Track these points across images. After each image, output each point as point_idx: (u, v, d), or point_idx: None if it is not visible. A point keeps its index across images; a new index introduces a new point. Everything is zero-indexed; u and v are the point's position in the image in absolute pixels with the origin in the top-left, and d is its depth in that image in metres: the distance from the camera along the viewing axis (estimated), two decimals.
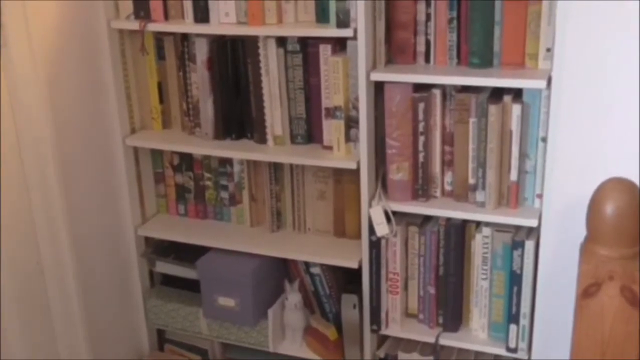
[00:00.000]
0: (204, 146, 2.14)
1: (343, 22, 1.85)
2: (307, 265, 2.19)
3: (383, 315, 2.04)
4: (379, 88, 1.91)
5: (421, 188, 1.93)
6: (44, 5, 1.90)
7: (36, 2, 1.85)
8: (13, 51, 1.80)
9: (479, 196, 1.87)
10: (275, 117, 2.05)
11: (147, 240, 2.36)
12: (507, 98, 1.80)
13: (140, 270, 2.35)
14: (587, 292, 1.43)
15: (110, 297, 2.26)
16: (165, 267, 2.34)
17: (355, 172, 1.97)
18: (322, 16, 1.91)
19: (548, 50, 1.75)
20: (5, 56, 1.80)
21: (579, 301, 1.45)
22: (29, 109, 1.87)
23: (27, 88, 1.85)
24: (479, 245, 1.91)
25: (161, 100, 2.22)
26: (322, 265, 2.16)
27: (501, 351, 1.96)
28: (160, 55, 2.18)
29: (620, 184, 1.41)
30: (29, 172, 1.91)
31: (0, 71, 1.80)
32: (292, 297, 2.15)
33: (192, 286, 2.29)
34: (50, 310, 2.03)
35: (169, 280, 2.38)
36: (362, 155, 1.92)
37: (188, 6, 2.02)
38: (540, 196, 1.83)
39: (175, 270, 2.32)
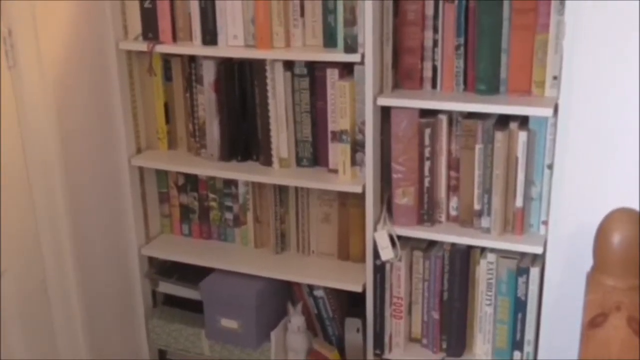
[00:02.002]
0: (210, 167, 2.15)
1: (351, 47, 1.86)
2: (311, 287, 2.18)
3: (386, 339, 2.04)
4: (385, 113, 1.91)
5: (426, 213, 1.94)
6: (54, 26, 1.91)
7: (46, 22, 1.86)
8: (23, 71, 1.82)
9: (484, 222, 1.87)
10: (281, 140, 2.06)
11: (151, 260, 2.36)
12: (513, 125, 1.81)
13: (143, 290, 2.35)
14: (593, 322, 1.43)
15: (112, 316, 2.25)
16: (169, 288, 2.34)
17: (360, 196, 1.97)
18: (329, 41, 1.92)
19: (555, 78, 1.76)
20: (15, 76, 1.81)
21: (585, 331, 1.45)
22: (37, 128, 1.88)
23: (36, 107, 1.86)
24: (484, 271, 1.91)
25: (167, 121, 2.23)
26: (325, 288, 2.16)
27: None
28: (168, 76, 2.19)
29: (627, 214, 1.42)
30: (36, 190, 1.92)
31: (7, 90, 1.82)
32: (295, 319, 2.14)
33: (194, 307, 2.29)
34: (54, 328, 2.03)
35: (172, 301, 2.38)
36: (367, 179, 1.92)
37: (196, 28, 2.03)
38: (545, 223, 1.83)
39: (178, 290, 2.32)
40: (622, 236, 1.39)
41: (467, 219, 1.91)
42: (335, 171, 2.00)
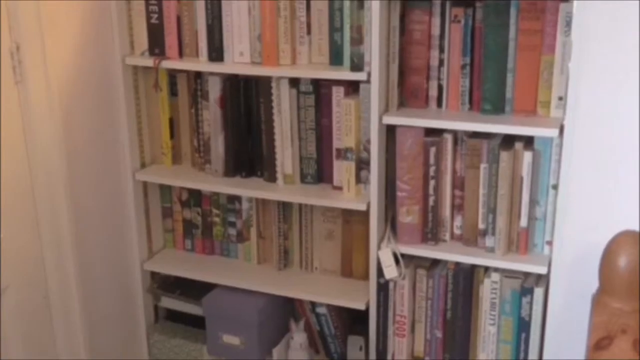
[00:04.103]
0: (214, 183, 2.15)
1: (357, 66, 1.86)
2: (313, 304, 2.18)
3: (389, 357, 2.03)
4: (390, 131, 1.92)
5: (430, 231, 1.93)
6: (61, 41, 1.92)
7: (53, 37, 1.87)
8: (30, 87, 1.82)
9: (489, 241, 1.87)
10: (285, 156, 2.06)
11: (153, 274, 2.35)
12: (518, 145, 1.81)
13: (145, 304, 2.34)
14: (599, 345, 1.42)
15: (114, 331, 2.25)
16: (171, 303, 2.34)
17: (364, 213, 1.97)
18: (336, 59, 1.93)
19: (560, 98, 1.77)
20: (22, 91, 1.81)
21: (591, 353, 1.44)
22: (43, 142, 1.88)
23: (42, 122, 1.87)
24: (488, 290, 1.90)
25: (172, 136, 2.23)
26: (328, 306, 2.16)
27: None
28: (173, 92, 2.19)
29: (633, 237, 1.42)
30: (40, 205, 1.91)
31: (14, 105, 1.82)
32: (298, 336, 2.13)
33: (196, 322, 2.29)
34: (56, 342, 2.02)
35: (174, 316, 2.37)
36: (372, 197, 1.92)
37: (203, 45, 2.04)
38: (550, 243, 1.83)
39: (180, 306, 2.31)
40: (628, 259, 1.39)
41: (471, 238, 1.91)
42: (340, 188, 2.00)
